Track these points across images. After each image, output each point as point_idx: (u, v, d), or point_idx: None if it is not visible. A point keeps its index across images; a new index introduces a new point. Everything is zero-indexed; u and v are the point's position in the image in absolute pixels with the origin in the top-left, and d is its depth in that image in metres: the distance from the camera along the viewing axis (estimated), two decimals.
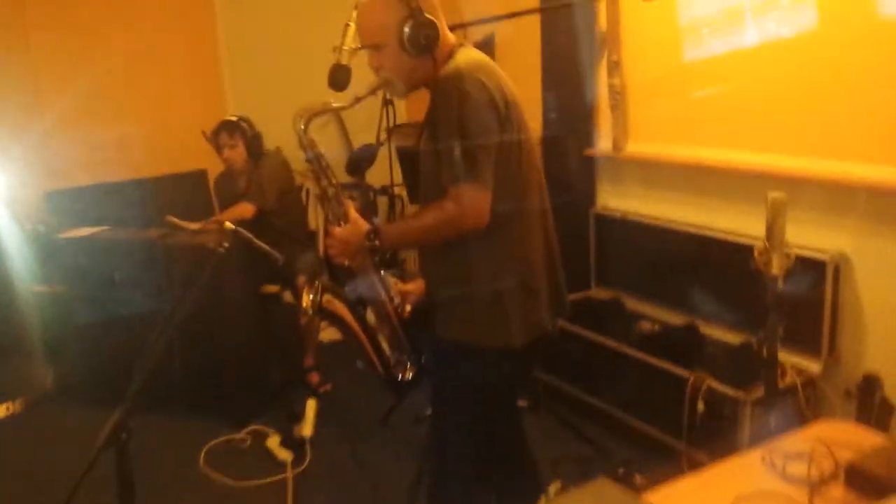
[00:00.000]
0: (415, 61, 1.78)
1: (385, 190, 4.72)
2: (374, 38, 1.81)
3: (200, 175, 4.66)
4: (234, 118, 3.75)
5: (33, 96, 4.11)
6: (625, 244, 3.42)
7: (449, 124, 1.69)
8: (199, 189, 4.64)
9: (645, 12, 3.13)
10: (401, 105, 4.51)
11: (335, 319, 1.99)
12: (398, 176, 4.57)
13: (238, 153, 3.71)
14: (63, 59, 4.17)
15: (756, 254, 1.81)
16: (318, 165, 1.92)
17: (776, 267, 1.78)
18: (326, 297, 1.95)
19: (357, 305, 1.98)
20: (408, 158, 3.34)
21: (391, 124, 4.06)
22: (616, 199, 3.50)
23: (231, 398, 3.37)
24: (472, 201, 1.69)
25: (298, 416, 3.15)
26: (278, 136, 3.96)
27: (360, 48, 2.66)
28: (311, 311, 1.93)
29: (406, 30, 1.74)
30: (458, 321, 1.86)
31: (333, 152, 4.89)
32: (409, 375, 2.03)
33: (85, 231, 3.53)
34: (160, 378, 3.13)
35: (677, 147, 3.13)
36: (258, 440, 3.20)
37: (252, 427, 3.26)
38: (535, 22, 3.51)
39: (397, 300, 2.00)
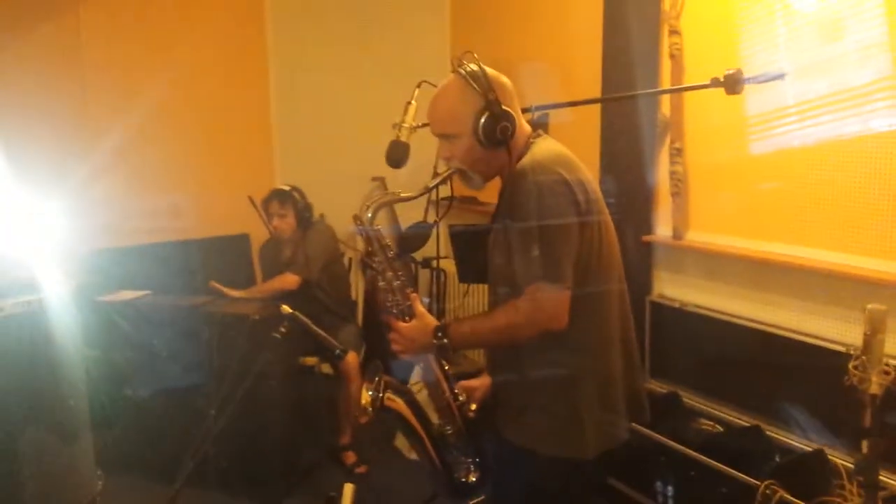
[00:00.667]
0: (489, 153, 1.71)
1: (427, 263, 4.64)
2: (447, 128, 1.75)
3: (243, 240, 4.64)
4: (286, 188, 3.72)
5: (89, 148, 4.11)
6: (682, 336, 3.28)
7: (526, 221, 1.59)
8: (241, 254, 4.62)
9: (711, 100, 3.06)
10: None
11: (396, 418, 1.87)
12: (443, 249, 4.50)
13: (288, 223, 3.67)
14: (120, 120, 4.20)
15: (851, 368, 1.68)
16: (384, 257, 1.83)
17: (875, 385, 1.65)
18: (388, 394, 1.83)
19: (418, 404, 1.87)
20: (460, 237, 3.26)
21: (450, 200, 4.01)
22: (673, 289, 3.38)
23: (262, 475, 3.23)
24: (550, 303, 1.59)
25: (335, 502, 3.00)
26: (323, 204, 3.94)
27: (418, 127, 2.65)
28: (370, 410, 1.81)
29: (482, 121, 1.67)
30: (527, 427, 1.74)
31: (379, 227, 4.85)
32: (472, 479, 1.90)
33: (126, 295, 3.47)
34: (188, 450, 3.06)
35: (740, 239, 3.02)
36: None
37: None
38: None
39: (462, 397, 1.88)
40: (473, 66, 1.72)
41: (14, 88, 3.83)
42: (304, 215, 3.72)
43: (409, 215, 4.65)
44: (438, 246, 4.43)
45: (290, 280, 3.62)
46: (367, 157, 4.90)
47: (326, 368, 3.95)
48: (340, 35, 4.90)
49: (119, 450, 3.37)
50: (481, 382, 1.95)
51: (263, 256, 4.02)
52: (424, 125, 2.93)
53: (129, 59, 4.30)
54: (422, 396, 1.94)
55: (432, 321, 1.77)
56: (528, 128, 1.79)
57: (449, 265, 4.51)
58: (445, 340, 1.71)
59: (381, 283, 1.83)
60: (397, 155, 2.77)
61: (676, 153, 3.20)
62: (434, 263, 4.51)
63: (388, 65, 4.90)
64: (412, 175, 4.52)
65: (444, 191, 4.61)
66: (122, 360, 3.35)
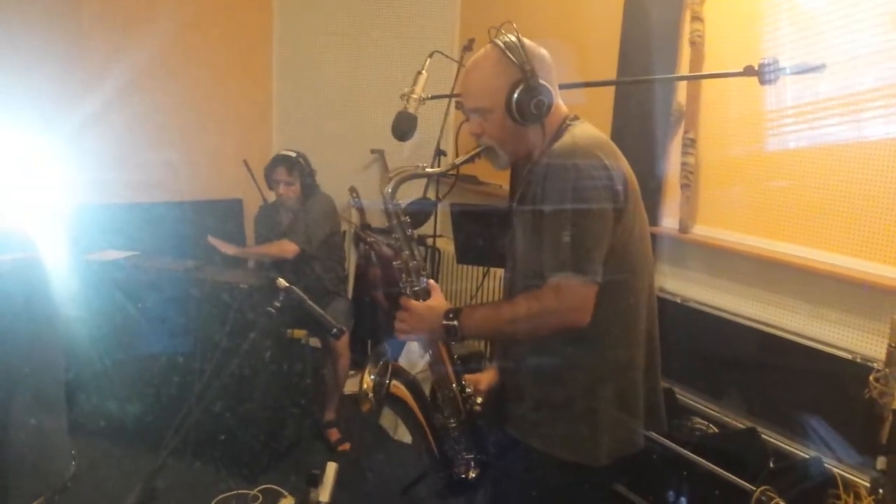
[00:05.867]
0: (522, 130, 1.60)
1: (422, 241, 4.54)
2: (479, 102, 1.63)
3: (236, 204, 4.53)
4: (292, 154, 3.60)
5: (81, 98, 3.98)
6: (681, 331, 3.19)
7: (560, 206, 1.48)
8: (234, 218, 4.52)
9: (730, 90, 2.97)
10: (451, 157, 4.37)
11: (398, 407, 1.78)
12: (440, 227, 4.40)
13: (294, 190, 3.57)
14: (117, 73, 4.06)
15: (872, 380, 1.60)
16: (402, 233, 1.73)
17: None
18: (394, 382, 1.74)
19: (422, 394, 1.77)
20: (461, 217, 3.16)
21: (454, 177, 3.92)
22: (675, 283, 3.30)
23: (244, 448, 3.15)
24: (576, 296, 1.48)
25: (317, 480, 2.92)
26: (320, 174, 3.83)
27: (427, 99, 2.53)
28: (372, 396, 1.71)
29: (515, 94, 1.56)
30: (538, 426, 1.64)
31: (376, 199, 4.75)
32: (472, 475, 1.81)
33: (114, 254, 3.36)
34: (172, 419, 2.97)
35: (749, 237, 2.93)
36: (270, 499, 2.97)
37: (265, 486, 3.03)
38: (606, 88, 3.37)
39: (469, 389, 1.79)
40: (511, 37, 1.61)
41: (9, 35, 3.68)
42: (309, 183, 3.61)
43: (408, 192, 4.54)
44: (436, 224, 4.33)
45: (289, 248, 3.52)
46: (367, 129, 4.84)
47: (314, 342, 3.86)
48: (346, 3, 4.76)
49: (99, 414, 3.29)
50: (488, 376, 1.86)
51: (260, 221, 3.91)
52: (434, 97, 2.82)
53: (130, 12, 4.16)
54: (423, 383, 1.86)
55: (444, 303, 1.68)
56: (564, 108, 1.69)
57: (444, 244, 4.42)
58: (455, 323, 1.61)
59: (396, 262, 1.73)
60: (404, 127, 2.65)
61: (689, 143, 3.10)
62: (430, 241, 4.42)
63: (395, 35, 4.77)
64: (416, 149, 4.42)
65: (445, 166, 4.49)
66: (107, 323, 3.24)
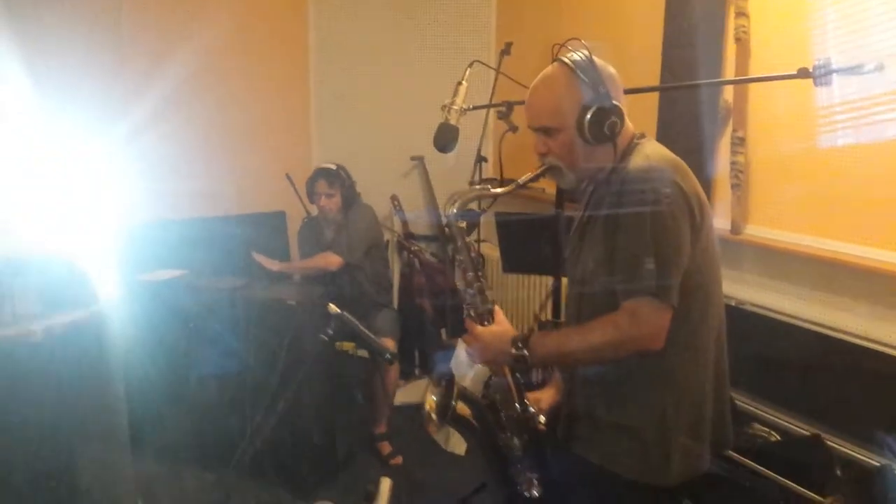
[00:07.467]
0: (591, 150, 1.57)
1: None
2: (547, 121, 1.61)
3: (279, 217, 4.55)
4: (332, 166, 3.62)
5: (121, 118, 4.02)
6: (737, 335, 3.10)
7: (637, 229, 1.46)
8: (278, 231, 4.53)
9: (778, 86, 2.88)
10: (493, 163, 4.34)
11: (463, 427, 1.76)
12: (484, 233, 4.37)
13: (335, 202, 3.58)
14: (157, 91, 4.10)
15: None
16: (466, 255, 1.72)
17: None
18: (461, 404, 1.71)
19: (486, 415, 1.75)
20: (507, 226, 3.12)
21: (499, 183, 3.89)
22: (729, 285, 3.21)
23: (297, 464, 3.16)
24: (653, 321, 1.46)
25: (371, 497, 2.92)
26: (361, 182, 3.83)
27: (468, 109, 2.50)
28: (436, 419, 1.69)
29: (588, 116, 1.53)
30: (606, 447, 1.62)
31: (416, 209, 4.74)
32: (535, 493, 1.78)
33: (164, 274, 3.39)
34: (227, 438, 2.99)
35: (806, 236, 2.85)
36: None
37: (320, 501, 3.03)
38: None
39: (532, 409, 1.77)
40: (580, 55, 1.57)
41: (52, 59, 3.73)
42: (349, 194, 3.62)
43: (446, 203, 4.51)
44: (479, 230, 4.30)
45: (333, 260, 3.54)
46: (406, 136, 4.82)
47: (362, 352, 3.86)
48: (382, 11, 4.75)
49: (154, 434, 3.32)
50: (550, 395, 1.83)
51: (303, 235, 3.92)
52: (476, 107, 2.79)
53: (168, 30, 4.20)
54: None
55: (511, 330, 1.66)
56: (630, 125, 1.66)
57: (488, 250, 4.38)
58: (525, 352, 1.59)
59: (460, 284, 1.73)
60: (446, 138, 2.63)
61: (738, 142, 3.02)
62: (475, 247, 4.39)
63: (431, 42, 4.75)
64: (456, 155, 4.38)
65: (484, 173, 4.44)
66: (162, 346, 3.27)
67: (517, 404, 1.75)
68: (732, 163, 3.04)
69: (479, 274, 1.73)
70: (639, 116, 1.71)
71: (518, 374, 1.75)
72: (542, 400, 1.83)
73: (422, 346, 4.34)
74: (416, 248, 4.20)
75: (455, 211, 1.70)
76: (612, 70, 1.63)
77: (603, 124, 1.54)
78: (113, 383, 2.38)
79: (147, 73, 4.10)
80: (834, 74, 1.83)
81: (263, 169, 4.45)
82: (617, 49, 3.47)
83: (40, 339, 2.08)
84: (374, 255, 3.71)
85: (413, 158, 4.76)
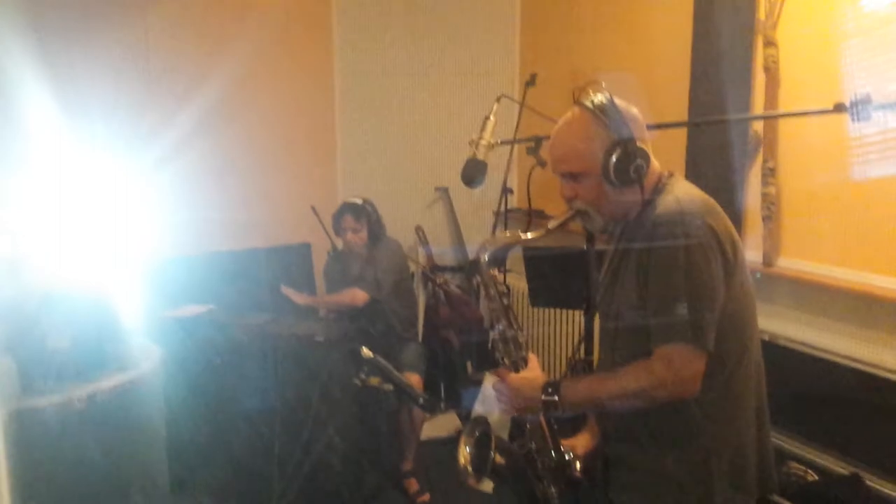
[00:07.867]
0: (618, 193, 1.55)
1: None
2: (572, 167, 1.59)
3: (305, 249, 4.56)
4: (358, 201, 3.62)
5: (146, 153, 4.05)
6: (771, 370, 3.04)
7: (670, 274, 1.44)
8: (303, 263, 4.54)
9: (809, 117, 2.84)
10: (520, 194, 4.32)
11: (500, 479, 1.72)
12: (509, 262, 4.34)
13: (361, 237, 3.59)
14: (182, 125, 4.14)
15: None
16: (499, 303, 1.69)
17: None
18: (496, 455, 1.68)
19: (524, 464, 1.72)
20: (534, 260, 3.10)
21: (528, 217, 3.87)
22: (762, 319, 3.09)
23: (326, 502, 3.13)
24: (688, 367, 1.43)
25: None
26: (386, 213, 3.83)
27: (496, 144, 2.48)
28: (472, 472, 1.66)
29: (613, 159, 1.51)
30: (645, 493, 1.59)
31: (442, 241, 4.73)
32: None
33: (191, 310, 3.40)
34: (253, 475, 2.97)
35: (840, 269, 2.78)
36: None
37: None
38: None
39: (568, 457, 1.73)
40: (602, 98, 1.55)
41: (83, 95, 3.78)
42: (376, 229, 3.62)
43: (471, 234, 4.52)
44: (505, 261, 4.27)
45: (359, 296, 3.54)
46: (430, 166, 4.83)
47: (387, 385, 3.84)
48: (406, 41, 4.78)
49: (188, 476, 3.31)
50: (584, 441, 1.80)
51: (330, 269, 3.92)
52: (503, 142, 2.78)
53: (194, 63, 4.25)
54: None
55: (543, 376, 1.63)
56: (657, 164, 1.63)
57: (513, 280, 4.35)
58: (556, 398, 1.56)
59: (493, 333, 1.70)
60: (474, 173, 2.63)
61: (769, 173, 2.98)
62: (501, 278, 4.37)
63: (454, 72, 4.76)
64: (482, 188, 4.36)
65: (509, 203, 4.40)
66: (193, 384, 3.26)
67: (552, 451, 1.72)
68: (763, 194, 2.99)
69: (513, 321, 1.70)
70: (667, 148, 1.69)
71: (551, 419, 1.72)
72: (577, 447, 1.79)
73: (447, 380, 4.30)
74: (441, 279, 4.17)
75: (487, 258, 1.68)
76: (634, 111, 1.61)
77: (629, 167, 1.51)
78: (156, 441, 2.38)
79: (173, 108, 4.14)
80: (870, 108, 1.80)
81: (288, 201, 4.46)
82: (643, 79, 3.47)
83: (84, 407, 2.08)
84: (401, 289, 3.70)
85: (437, 189, 4.76)
